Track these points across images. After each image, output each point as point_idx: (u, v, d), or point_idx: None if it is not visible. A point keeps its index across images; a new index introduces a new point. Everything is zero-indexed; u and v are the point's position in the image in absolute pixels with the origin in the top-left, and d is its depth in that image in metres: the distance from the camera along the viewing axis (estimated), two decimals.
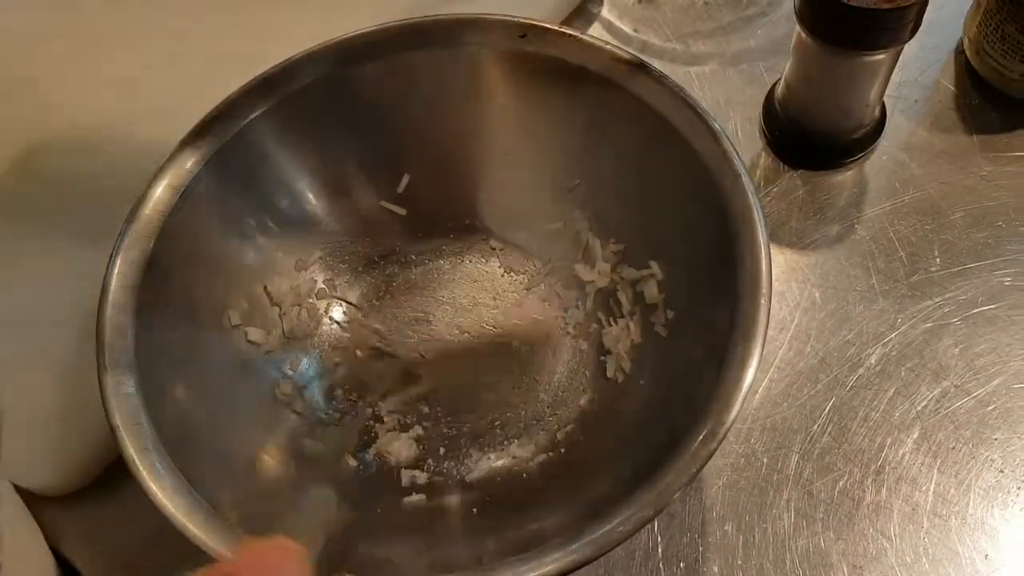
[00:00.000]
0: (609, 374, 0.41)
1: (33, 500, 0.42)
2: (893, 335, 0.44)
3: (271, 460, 0.38)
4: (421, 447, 0.41)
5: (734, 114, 0.50)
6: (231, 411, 0.38)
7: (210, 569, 0.20)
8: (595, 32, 0.54)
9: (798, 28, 0.42)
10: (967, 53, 0.50)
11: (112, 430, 0.34)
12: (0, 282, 0.46)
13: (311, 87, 0.40)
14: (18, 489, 0.42)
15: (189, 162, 0.39)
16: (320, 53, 0.41)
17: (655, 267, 0.41)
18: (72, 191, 0.48)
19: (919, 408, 0.42)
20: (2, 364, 0.43)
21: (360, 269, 0.45)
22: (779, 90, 0.48)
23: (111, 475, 0.43)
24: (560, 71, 0.40)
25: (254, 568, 0.21)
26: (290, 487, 0.38)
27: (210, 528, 0.32)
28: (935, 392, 0.42)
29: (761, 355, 0.34)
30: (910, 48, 0.50)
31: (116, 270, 0.36)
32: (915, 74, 0.51)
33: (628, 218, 0.42)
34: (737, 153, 0.37)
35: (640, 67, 0.39)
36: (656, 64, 0.39)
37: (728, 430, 0.32)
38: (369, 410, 0.42)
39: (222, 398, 0.38)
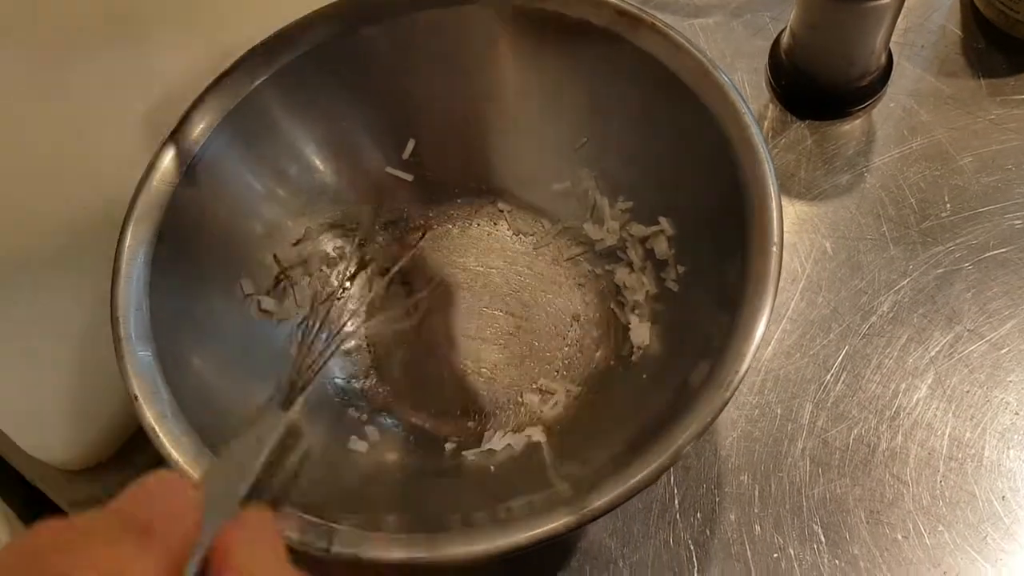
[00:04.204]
0: (627, 327, 0.41)
1: (53, 473, 0.42)
2: (905, 282, 0.44)
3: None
4: (437, 410, 0.41)
5: (740, 66, 0.50)
6: (248, 379, 0.39)
7: (97, 513, 0.20)
8: None
9: None
10: None
11: (131, 400, 0.35)
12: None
13: (315, 51, 0.40)
14: (39, 462, 0.42)
15: (196, 131, 0.39)
16: (324, 15, 0.40)
17: (665, 223, 0.41)
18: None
19: (932, 354, 0.42)
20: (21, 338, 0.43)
21: (369, 236, 0.45)
22: (785, 40, 0.47)
23: (131, 447, 0.43)
24: (564, 27, 0.40)
25: (136, 500, 0.21)
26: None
27: None
28: (948, 337, 0.42)
29: (773, 305, 0.34)
30: None
31: (128, 241, 0.37)
32: (920, 19, 0.50)
33: (636, 175, 0.42)
34: (746, 104, 0.37)
35: (644, 20, 0.39)
36: (659, 17, 0.39)
37: (742, 379, 0.32)
38: (383, 374, 0.42)
39: (238, 366, 0.39)
